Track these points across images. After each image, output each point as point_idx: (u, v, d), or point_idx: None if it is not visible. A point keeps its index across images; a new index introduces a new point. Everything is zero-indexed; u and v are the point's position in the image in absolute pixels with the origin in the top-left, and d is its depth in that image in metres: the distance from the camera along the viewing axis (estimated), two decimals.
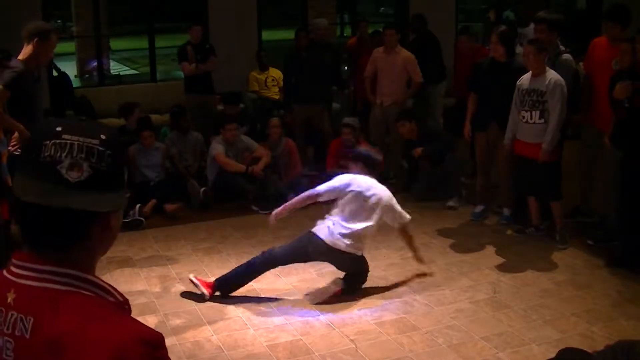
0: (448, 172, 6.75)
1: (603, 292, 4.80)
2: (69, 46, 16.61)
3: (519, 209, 6.09)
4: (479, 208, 6.36)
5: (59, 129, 1.21)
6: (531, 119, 5.49)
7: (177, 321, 4.40)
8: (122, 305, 1.26)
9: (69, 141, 1.19)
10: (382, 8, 23.93)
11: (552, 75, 5.42)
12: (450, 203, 6.65)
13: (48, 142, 1.19)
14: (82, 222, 1.21)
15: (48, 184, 1.17)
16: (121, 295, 1.27)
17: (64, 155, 1.18)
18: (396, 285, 4.92)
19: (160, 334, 1.21)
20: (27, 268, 1.22)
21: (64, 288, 1.20)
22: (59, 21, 20.22)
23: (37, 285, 1.20)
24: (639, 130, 4.98)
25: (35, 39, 4.52)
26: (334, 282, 4.80)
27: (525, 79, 5.55)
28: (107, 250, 1.33)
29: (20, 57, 4.56)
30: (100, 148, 1.21)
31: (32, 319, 1.18)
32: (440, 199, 6.74)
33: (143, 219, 6.26)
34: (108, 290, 1.25)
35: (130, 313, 1.28)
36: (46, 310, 1.18)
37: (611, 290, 4.83)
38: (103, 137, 1.22)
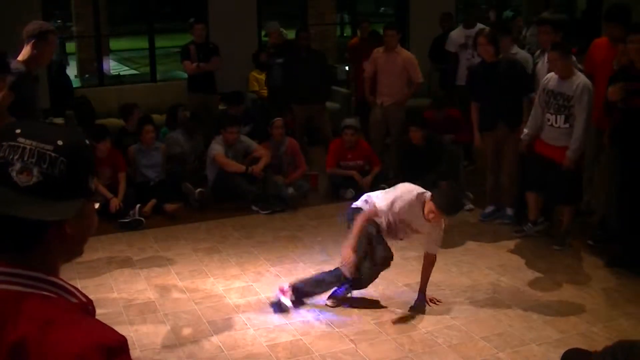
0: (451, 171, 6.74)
1: (603, 292, 4.81)
2: (69, 46, 16.60)
3: (521, 209, 6.07)
4: (489, 209, 6.34)
5: (17, 131, 1.19)
6: (556, 122, 5.37)
7: (177, 321, 4.40)
8: (86, 306, 1.23)
9: (22, 145, 1.17)
10: (382, 8, 23.90)
11: (580, 79, 5.26)
12: (467, 206, 6.55)
13: (5, 143, 1.18)
14: (33, 229, 1.18)
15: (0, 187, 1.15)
16: (84, 296, 1.24)
17: (15, 158, 1.16)
18: (396, 285, 4.92)
19: (123, 338, 1.18)
20: None
21: (25, 290, 1.17)
22: (59, 21, 20.21)
23: None
24: (638, 130, 4.98)
25: (33, 41, 4.43)
26: None
27: (552, 79, 5.38)
28: (73, 257, 1.29)
29: (20, 58, 4.51)
30: (53, 154, 1.17)
31: None
32: None
33: (143, 219, 6.26)
34: (71, 292, 1.22)
35: (94, 314, 1.25)
36: (7, 313, 1.15)
37: (611, 290, 4.84)
38: (60, 143, 1.18)
